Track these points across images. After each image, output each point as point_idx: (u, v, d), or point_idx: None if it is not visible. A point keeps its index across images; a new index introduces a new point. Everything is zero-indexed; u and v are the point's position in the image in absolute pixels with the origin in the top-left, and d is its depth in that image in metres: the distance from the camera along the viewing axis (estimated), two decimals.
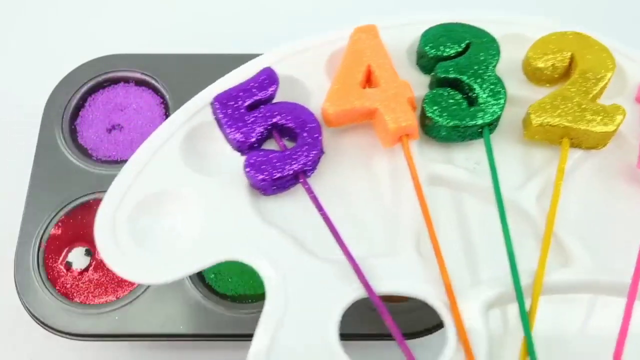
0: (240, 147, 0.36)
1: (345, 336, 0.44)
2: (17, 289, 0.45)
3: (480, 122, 0.36)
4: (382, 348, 0.50)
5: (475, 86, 0.36)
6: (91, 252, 0.47)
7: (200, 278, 0.46)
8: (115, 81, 0.53)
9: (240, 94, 0.37)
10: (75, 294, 0.46)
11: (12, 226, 0.48)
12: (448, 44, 0.38)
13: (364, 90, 0.37)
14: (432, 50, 0.38)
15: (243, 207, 0.35)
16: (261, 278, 0.35)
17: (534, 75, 0.39)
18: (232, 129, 0.36)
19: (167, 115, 0.52)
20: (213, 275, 0.46)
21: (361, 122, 0.37)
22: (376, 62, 0.37)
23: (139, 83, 0.53)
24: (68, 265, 0.46)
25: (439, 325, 0.44)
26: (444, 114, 0.36)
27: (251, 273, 0.46)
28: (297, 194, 0.36)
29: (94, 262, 0.47)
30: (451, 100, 0.36)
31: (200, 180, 0.36)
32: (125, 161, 0.50)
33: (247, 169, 0.35)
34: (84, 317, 0.44)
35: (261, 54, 0.54)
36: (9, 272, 0.46)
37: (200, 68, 0.53)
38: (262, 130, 0.36)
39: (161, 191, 0.36)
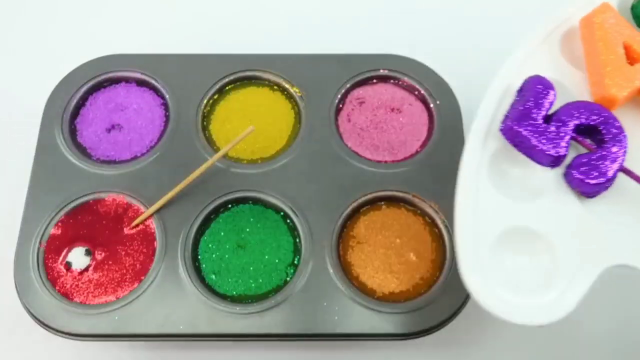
0: (555, 161, 0.36)
1: (345, 336, 0.44)
2: (17, 289, 0.45)
3: None
4: (382, 348, 0.50)
5: None
6: (91, 252, 0.47)
7: (200, 278, 0.46)
8: (115, 81, 0.53)
9: (532, 109, 0.36)
10: (75, 294, 0.46)
11: (12, 226, 0.48)
12: None
13: (634, 67, 0.36)
14: None
15: (587, 218, 0.35)
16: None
17: None
18: (546, 145, 0.35)
19: (167, 116, 0.52)
20: (213, 276, 0.46)
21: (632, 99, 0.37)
22: (631, 38, 0.37)
23: (139, 83, 0.53)
24: (68, 265, 0.46)
25: (439, 325, 0.44)
26: None
27: (251, 273, 0.46)
28: (613, 187, 0.36)
29: (93, 262, 0.47)
30: None
31: (529, 208, 0.36)
32: (123, 161, 0.50)
33: (579, 177, 0.35)
34: (84, 317, 0.44)
35: (261, 54, 0.54)
36: (9, 272, 0.46)
37: (200, 68, 0.53)
38: (569, 137, 0.35)
39: (504, 230, 0.35)
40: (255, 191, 0.48)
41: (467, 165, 0.36)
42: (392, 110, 0.52)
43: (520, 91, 0.37)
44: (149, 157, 0.50)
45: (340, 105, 0.53)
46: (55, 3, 0.66)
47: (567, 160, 0.36)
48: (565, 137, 0.35)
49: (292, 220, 0.48)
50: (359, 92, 0.53)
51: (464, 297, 0.45)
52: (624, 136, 0.36)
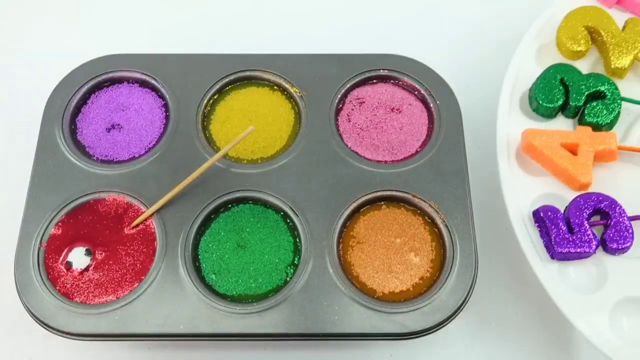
0: (595, 249, 0.46)
1: (345, 336, 0.44)
2: (17, 289, 0.45)
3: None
4: (382, 348, 0.50)
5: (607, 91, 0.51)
6: (91, 252, 0.47)
7: (200, 278, 0.46)
8: (115, 81, 0.53)
9: (558, 233, 0.46)
10: (75, 294, 0.46)
11: (12, 226, 0.48)
12: (553, 94, 0.50)
13: (579, 155, 0.48)
14: (550, 104, 0.50)
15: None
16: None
17: (574, 55, 0.53)
18: (584, 247, 0.45)
19: (167, 116, 0.52)
20: (213, 276, 0.46)
21: None
22: (562, 138, 0.49)
23: (140, 83, 0.53)
24: (68, 265, 0.46)
25: (439, 325, 0.44)
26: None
27: (251, 273, 0.46)
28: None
29: (94, 262, 0.47)
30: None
31: (608, 287, 0.45)
32: (123, 161, 0.50)
33: (615, 247, 0.45)
34: (84, 317, 0.44)
35: (261, 54, 0.54)
36: (9, 272, 0.46)
37: (200, 68, 0.53)
38: (589, 228, 0.46)
39: (609, 310, 0.45)
40: (255, 191, 0.48)
41: (552, 290, 0.45)
42: (392, 110, 0.53)
43: (537, 222, 0.47)
44: (149, 157, 0.50)
45: (340, 105, 0.53)
46: (55, 3, 0.66)
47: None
48: (588, 230, 0.46)
49: (292, 220, 0.48)
50: (359, 92, 0.53)
51: (464, 297, 0.45)
52: (615, 201, 0.47)
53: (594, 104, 0.50)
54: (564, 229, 0.46)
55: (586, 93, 0.50)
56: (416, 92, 0.53)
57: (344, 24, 0.65)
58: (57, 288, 0.45)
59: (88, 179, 0.49)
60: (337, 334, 0.44)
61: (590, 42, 0.53)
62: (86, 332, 0.44)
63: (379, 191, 0.48)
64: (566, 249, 0.45)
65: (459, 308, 0.45)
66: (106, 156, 0.51)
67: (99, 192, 0.48)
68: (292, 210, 0.48)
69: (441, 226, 0.47)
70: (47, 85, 0.53)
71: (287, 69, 0.53)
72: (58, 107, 0.52)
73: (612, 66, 0.52)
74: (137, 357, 0.49)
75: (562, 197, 0.48)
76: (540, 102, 0.50)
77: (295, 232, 0.47)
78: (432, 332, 0.44)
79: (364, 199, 0.48)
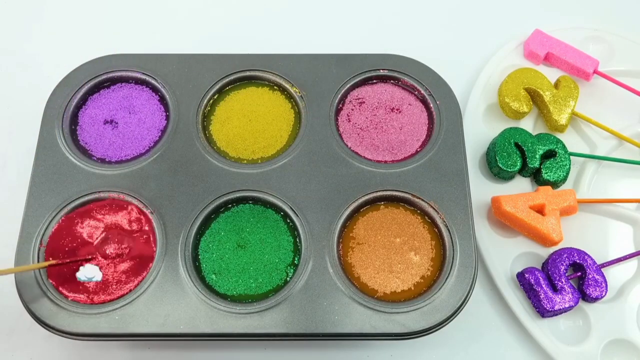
0: (578, 302, 0.49)
1: (345, 336, 0.44)
2: (17, 288, 0.45)
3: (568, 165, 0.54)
4: (382, 348, 0.50)
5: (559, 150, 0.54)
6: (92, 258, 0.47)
7: (200, 278, 0.46)
8: (115, 81, 0.53)
9: (543, 296, 0.49)
10: (75, 294, 0.45)
11: (13, 226, 0.48)
12: (512, 159, 0.53)
13: (546, 216, 0.51)
14: (512, 169, 0.53)
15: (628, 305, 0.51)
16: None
17: (519, 116, 0.57)
18: (568, 302, 0.49)
19: (167, 116, 0.52)
20: (213, 276, 0.46)
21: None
22: (530, 201, 0.51)
23: (139, 83, 0.53)
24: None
25: (438, 325, 0.44)
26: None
27: (251, 273, 0.46)
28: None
29: (94, 262, 0.47)
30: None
31: (601, 329, 0.49)
32: (123, 161, 0.50)
33: (596, 296, 0.49)
34: (84, 316, 0.44)
35: (261, 54, 0.54)
36: None
37: (200, 68, 0.53)
38: (568, 285, 0.49)
39: (601, 348, 0.49)
40: (255, 191, 0.48)
41: (548, 346, 0.49)
42: (392, 110, 0.53)
43: (523, 286, 0.50)
44: (149, 157, 0.50)
45: (340, 105, 0.53)
46: (55, 3, 0.66)
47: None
48: (569, 287, 0.49)
49: (292, 220, 0.48)
50: (359, 92, 0.53)
51: (464, 297, 0.45)
52: (585, 254, 0.50)
53: (548, 163, 0.53)
54: (549, 289, 0.49)
55: (540, 154, 0.53)
56: (416, 92, 0.53)
57: (344, 24, 0.65)
58: (57, 288, 0.45)
59: (88, 179, 0.49)
60: (337, 334, 0.44)
61: (531, 103, 0.56)
62: (86, 332, 0.44)
63: (379, 191, 0.48)
64: (555, 308, 0.48)
65: (459, 308, 0.45)
66: (106, 156, 0.51)
67: (99, 192, 0.48)
68: (292, 210, 0.48)
69: (441, 226, 0.47)
70: (47, 85, 0.53)
71: (287, 69, 0.53)
72: (58, 107, 0.52)
73: (557, 123, 0.56)
74: (137, 357, 0.49)
75: (536, 254, 0.52)
76: (503, 167, 0.53)
77: (295, 232, 0.47)
78: (432, 332, 0.44)
79: (363, 199, 0.48)
